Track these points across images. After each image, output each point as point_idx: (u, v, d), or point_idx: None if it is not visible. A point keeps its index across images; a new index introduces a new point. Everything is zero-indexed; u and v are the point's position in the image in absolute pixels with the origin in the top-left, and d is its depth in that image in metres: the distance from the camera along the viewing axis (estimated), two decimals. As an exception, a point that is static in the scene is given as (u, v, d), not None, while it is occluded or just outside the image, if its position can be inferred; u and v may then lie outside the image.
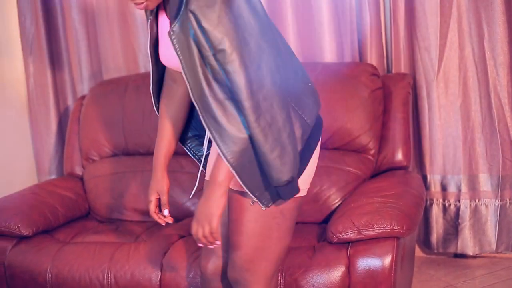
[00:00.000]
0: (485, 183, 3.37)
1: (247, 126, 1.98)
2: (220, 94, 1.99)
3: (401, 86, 3.21)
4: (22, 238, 3.01)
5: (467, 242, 3.43)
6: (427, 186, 3.44)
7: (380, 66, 3.42)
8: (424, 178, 3.44)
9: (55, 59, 3.93)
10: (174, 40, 2.00)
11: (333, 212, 2.92)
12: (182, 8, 1.97)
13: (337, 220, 2.60)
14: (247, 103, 1.96)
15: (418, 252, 3.63)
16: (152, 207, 2.34)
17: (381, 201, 2.63)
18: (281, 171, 2.02)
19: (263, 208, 2.09)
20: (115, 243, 2.94)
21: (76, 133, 3.61)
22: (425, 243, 3.57)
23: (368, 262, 2.48)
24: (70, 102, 3.94)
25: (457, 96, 3.34)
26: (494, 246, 3.42)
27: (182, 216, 3.21)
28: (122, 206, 3.37)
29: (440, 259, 3.60)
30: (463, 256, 3.55)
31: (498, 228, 3.39)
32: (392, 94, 3.19)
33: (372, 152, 3.13)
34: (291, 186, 2.08)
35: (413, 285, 3.23)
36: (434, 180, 3.44)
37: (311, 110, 2.20)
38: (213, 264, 2.35)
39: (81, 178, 3.56)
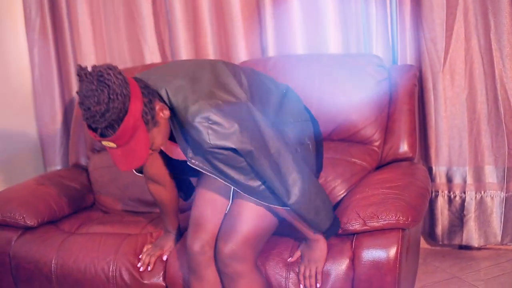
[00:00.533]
0: (490, 175, 3.36)
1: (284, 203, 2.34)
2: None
3: (407, 78, 3.20)
4: (27, 229, 3.01)
5: (472, 234, 3.43)
6: (432, 178, 3.43)
7: (386, 57, 3.41)
8: (430, 169, 3.44)
9: (60, 50, 3.93)
10: (196, 163, 2.30)
11: (338, 204, 2.91)
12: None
13: (342, 212, 2.59)
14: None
15: (423, 243, 3.62)
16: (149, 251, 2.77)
17: (386, 193, 2.62)
18: (323, 223, 2.45)
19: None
20: (121, 234, 2.94)
21: (81, 124, 3.61)
22: (430, 234, 3.56)
23: (373, 254, 2.48)
24: (75, 92, 3.94)
25: (463, 88, 3.33)
26: (499, 238, 3.41)
27: (186, 208, 3.21)
28: (127, 197, 3.37)
29: (445, 250, 3.59)
30: (468, 247, 3.55)
31: (503, 220, 3.38)
32: (398, 85, 3.18)
33: (377, 143, 3.12)
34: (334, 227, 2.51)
35: (418, 277, 3.23)
36: (440, 171, 3.44)
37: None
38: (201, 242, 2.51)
39: (86, 169, 3.57)
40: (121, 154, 2.17)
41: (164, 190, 2.71)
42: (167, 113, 2.24)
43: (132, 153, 2.18)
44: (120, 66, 3.84)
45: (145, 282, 2.75)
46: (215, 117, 2.19)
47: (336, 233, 2.51)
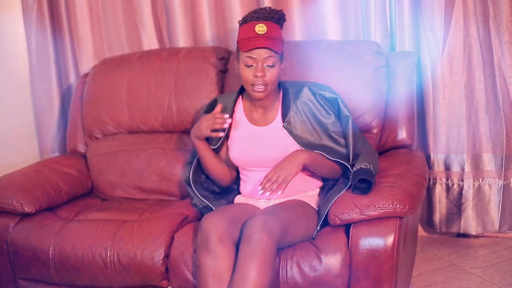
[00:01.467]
0: (488, 162, 3.36)
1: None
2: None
3: (406, 65, 3.19)
4: (25, 216, 3.01)
5: (470, 222, 3.43)
6: (430, 165, 3.43)
7: (384, 44, 3.40)
8: (428, 157, 3.43)
9: (57, 36, 3.92)
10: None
11: (335, 194, 2.91)
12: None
13: (339, 202, 2.59)
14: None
15: (421, 231, 3.63)
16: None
17: (383, 181, 2.62)
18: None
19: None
20: (118, 220, 2.94)
21: (79, 110, 3.60)
22: (428, 222, 3.57)
23: (370, 242, 2.48)
24: (72, 79, 3.93)
25: (461, 75, 3.32)
26: (497, 226, 3.42)
27: (185, 195, 3.21)
28: (125, 184, 3.37)
29: (443, 238, 3.60)
30: (466, 235, 3.55)
31: (501, 208, 3.38)
32: (397, 72, 3.17)
33: (375, 130, 3.12)
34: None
35: (415, 264, 3.24)
36: (438, 159, 3.43)
37: None
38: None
39: (84, 156, 3.56)
40: (263, 40, 2.65)
41: (227, 171, 2.96)
42: (283, 69, 2.79)
43: (272, 41, 2.66)
44: (118, 52, 3.83)
45: (144, 265, 2.75)
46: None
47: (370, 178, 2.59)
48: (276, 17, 2.72)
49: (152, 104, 3.43)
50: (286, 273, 2.56)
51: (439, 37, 3.30)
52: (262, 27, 2.66)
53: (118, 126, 3.50)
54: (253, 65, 2.68)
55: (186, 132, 3.42)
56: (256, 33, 2.66)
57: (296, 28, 3.51)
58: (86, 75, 3.69)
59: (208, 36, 3.69)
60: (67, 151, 3.66)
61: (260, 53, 2.66)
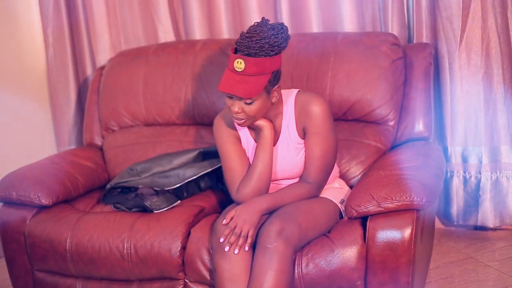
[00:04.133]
0: (506, 155, 3.34)
1: None
2: None
3: (423, 56, 3.17)
4: (42, 208, 3.02)
5: (487, 214, 3.41)
6: (447, 158, 3.42)
7: (401, 36, 3.38)
8: (445, 149, 3.42)
9: (74, 29, 3.93)
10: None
11: (352, 186, 2.91)
12: None
13: (355, 194, 2.58)
14: None
15: (438, 224, 3.61)
16: None
17: (400, 174, 2.61)
18: None
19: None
20: (135, 213, 2.95)
21: (96, 103, 3.61)
22: (445, 215, 3.55)
23: (387, 235, 2.47)
24: (89, 72, 3.94)
25: (479, 67, 3.29)
26: (515, 219, 3.40)
27: (202, 187, 3.21)
28: (141, 176, 3.38)
29: (460, 231, 3.58)
30: (483, 228, 3.53)
31: (519, 201, 3.37)
32: (414, 64, 3.15)
33: (392, 123, 3.10)
34: None
35: (432, 257, 3.23)
36: (455, 151, 3.41)
37: None
38: None
39: (100, 148, 3.57)
40: (238, 80, 2.43)
41: None
42: (278, 96, 2.56)
43: (246, 84, 2.43)
44: (134, 45, 3.84)
45: (161, 256, 2.76)
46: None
47: None
48: (265, 47, 2.43)
49: (169, 97, 3.43)
50: (301, 270, 2.55)
51: (457, 29, 3.27)
52: (241, 63, 2.43)
53: (135, 118, 3.51)
54: (232, 97, 2.50)
55: (203, 124, 3.42)
56: (234, 68, 2.45)
57: (313, 20, 3.50)
58: (102, 67, 3.70)
59: (224, 28, 3.68)
60: (84, 143, 3.67)
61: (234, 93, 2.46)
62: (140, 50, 3.62)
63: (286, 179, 2.73)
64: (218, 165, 3.08)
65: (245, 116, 2.52)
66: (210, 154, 3.18)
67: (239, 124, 2.57)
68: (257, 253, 2.46)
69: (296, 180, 2.72)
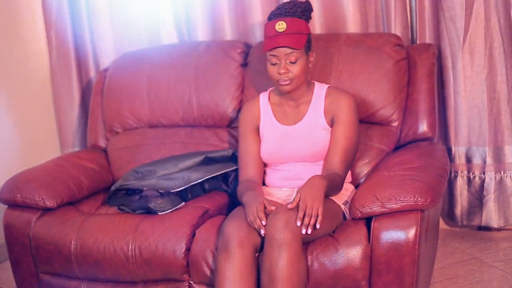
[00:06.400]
0: (510, 155, 3.34)
1: None
2: None
3: (426, 57, 3.17)
4: (46, 210, 3.03)
5: (491, 215, 3.41)
6: (451, 158, 3.42)
7: (404, 37, 3.38)
8: (449, 150, 3.42)
9: (77, 31, 3.93)
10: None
11: (356, 187, 2.91)
12: None
13: (360, 195, 2.58)
14: None
15: (442, 224, 3.62)
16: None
17: (405, 174, 2.61)
18: None
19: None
20: (140, 214, 2.95)
21: (100, 105, 3.61)
22: (449, 215, 3.55)
23: (392, 235, 2.47)
24: (93, 74, 3.95)
25: (482, 67, 3.30)
26: (519, 219, 3.40)
27: (206, 189, 3.21)
28: (145, 178, 3.38)
29: (464, 231, 3.58)
30: (487, 228, 3.53)
31: (523, 201, 3.37)
32: (417, 64, 3.16)
33: (396, 123, 3.10)
34: None
35: (437, 258, 3.23)
36: (459, 152, 3.42)
37: None
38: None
39: (104, 150, 3.57)
40: (282, 37, 2.68)
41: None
42: (313, 60, 2.82)
43: (291, 38, 2.69)
44: (137, 47, 3.84)
45: (166, 258, 2.76)
46: None
47: None
48: (298, 11, 2.74)
49: (172, 98, 3.43)
50: (307, 269, 2.56)
51: (460, 29, 3.28)
52: (282, 24, 2.70)
53: (139, 120, 3.51)
54: (276, 63, 2.72)
55: (207, 126, 3.42)
56: (276, 31, 2.70)
57: (316, 21, 3.50)
58: (106, 69, 3.70)
59: (227, 30, 3.68)
60: (88, 145, 3.67)
61: (281, 51, 2.70)
62: (143, 52, 3.62)
63: (297, 161, 2.84)
64: (223, 171, 3.10)
65: (291, 76, 2.72)
66: (216, 160, 3.19)
67: (285, 86, 2.75)
68: (266, 248, 2.47)
69: (307, 163, 2.83)
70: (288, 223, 2.45)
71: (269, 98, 2.94)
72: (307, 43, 2.75)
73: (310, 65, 2.80)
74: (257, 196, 2.66)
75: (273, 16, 2.76)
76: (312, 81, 2.92)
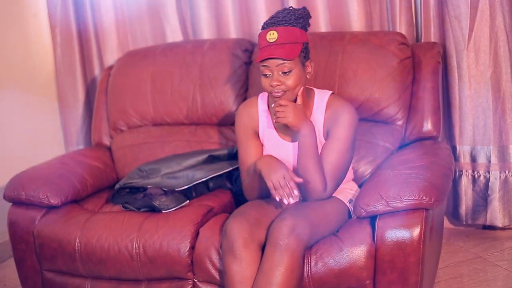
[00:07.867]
0: (515, 154, 3.34)
1: None
2: None
3: (431, 56, 3.17)
4: (51, 208, 3.03)
5: (496, 214, 3.40)
6: (456, 157, 3.41)
7: (409, 35, 3.38)
8: (454, 149, 3.41)
9: (82, 29, 3.93)
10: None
11: (361, 186, 2.90)
12: None
13: (364, 194, 2.58)
14: None
15: (447, 223, 3.61)
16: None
17: (409, 173, 2.60)
18: None
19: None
20: (144, 212, 2.95)
21: (104, 103, 3.62)
22: (454, 214, 3.55)
23: (396, 234, 2.47)
24: (97, 72, 3.95)
25: (487, 66, 3.29)
26: (524, 218, 3.39)
27: (210, 187, 3.21)
28: (149, 176, 3.38)
29: (469, 230, 3.58)
30: (492, 227, 3.53)
31: (528, 200, 3.36)
32: (422, 63, 3.15)
33: (400, 122, 3.10)
34: None
35: (441, 257, 3.23)
36: (464, 151, 3.41)
37: None
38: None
39: (109, 148, 3.58)
40: (273, 48, 2.55)
41: None
42: (311, 71, 2.67)
43: (283, 49, 2.54)
44: (142, 45, 3.84)
45: (170, 256, 2.76)
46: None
47: None
48: (292, 19, 2.59)
49: (177, 97, 3.43)
50: (310, 269, 2.55)
51: (465, 28, 3.27)
52: (273, 34, 2.56)
53: (143, 118, 3.51)
54: (269, 74, 2.59)
55: (211, 124, 3.42)
56: (267, 41, 2.56)
57: (321, 20, 3.50)
58: (110, 67, 3.70)
59: (232, 28, 3.68)
60: (92, 143, 3.68)
61: (272, 62, 2.56)
62: (148, 50, 3.62)
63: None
64: (228, 169, 3.09)
65: (284, 88, 2.58)
66: (220, 158, 3.19)
67: (278, 97, 2.60)
68: (267, 249, 2.47)
69: None
70: (293, 229, 2.45)
71: (268, 104, 2.79)
72: (302, 53, 2.61)
73: (307, 76, 2.66)
74: (279, 161, 2.61)
75: (266, 26, 2.61)
76: (313, 88, 2.78)
